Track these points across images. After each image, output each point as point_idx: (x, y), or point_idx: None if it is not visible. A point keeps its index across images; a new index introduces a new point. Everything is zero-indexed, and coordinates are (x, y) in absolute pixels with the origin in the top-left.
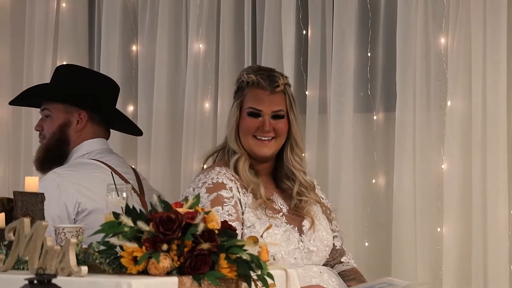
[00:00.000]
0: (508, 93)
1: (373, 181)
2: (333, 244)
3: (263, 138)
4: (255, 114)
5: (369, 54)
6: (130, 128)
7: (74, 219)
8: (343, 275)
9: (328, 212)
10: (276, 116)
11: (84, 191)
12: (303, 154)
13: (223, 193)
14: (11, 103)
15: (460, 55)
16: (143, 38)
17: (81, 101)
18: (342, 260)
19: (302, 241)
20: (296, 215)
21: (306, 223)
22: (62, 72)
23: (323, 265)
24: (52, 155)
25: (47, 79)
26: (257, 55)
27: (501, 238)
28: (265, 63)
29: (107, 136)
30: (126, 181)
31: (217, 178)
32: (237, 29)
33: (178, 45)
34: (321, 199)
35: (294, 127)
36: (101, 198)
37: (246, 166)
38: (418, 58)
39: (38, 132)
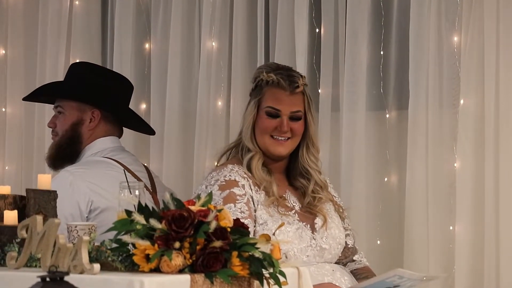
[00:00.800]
0: None
1: (385, 179)
2: (346, 242)
3: (280, 138)
4: (274, 114)
5: (381, 53)
6: (143, 127)
7: (87, 217)
8: (355, 273)
9: (341, 210)
10: (294, 117)
11: (97, 189)
12: (319, 154)
13: (236, 190)
14: (24, 99)
15: (473, 54)
16: (156, 36)
17: (95, 99)
18: (354, 258)
19: (315, 239)
20: (309, 213)
21: (318, 221)
22: (76, 70)
23: (335, 263)
24: (64, 153)
25: (60, 77)
26: (270, 53)
27: None
28: (277, 60)
29: (119, 135)
30: (139, 179)
31: (230, 175)
32: (250, 27)
33: (191, 43)
34: (334, 197)
35: (312, 127)
36: (114, 196)
37: (260, 164)
38: (431, 57)
39: (50, 129)
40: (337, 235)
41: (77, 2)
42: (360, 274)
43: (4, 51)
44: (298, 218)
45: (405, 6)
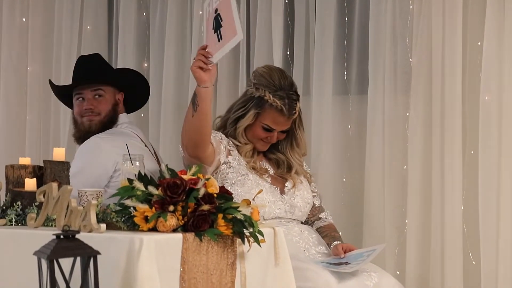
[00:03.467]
0: (463, 85)
1: (348, 154)
2: (313, 202)
3: (266, 142)
4: (269, 129)
5: (345, 45)
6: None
7: (111, 175)
8: (319, 231)
9: (308, 176)
10: (283, 131)
11: (121, 153)
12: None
13: (216, 134)
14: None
15: (422, 48)
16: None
17: (122, 84)
18: (320, 216)
19: (284, 199)
20: (281, 178)
21: (288, 184)
22: (97, 60)
23: (305, 222)
24: (105, 129)
25: (74, 42)
26: (251, 47)
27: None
28: (257, 53)
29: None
30: (150, 151)
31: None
32: None
33: (184, 32)
34: (304, 167)
35: (298, 132)
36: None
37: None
38: (387, 49)
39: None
40: (305, 196)
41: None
42: (322, 232)
43: (25, 19)
44: (271, 182)
45: (365, 7)
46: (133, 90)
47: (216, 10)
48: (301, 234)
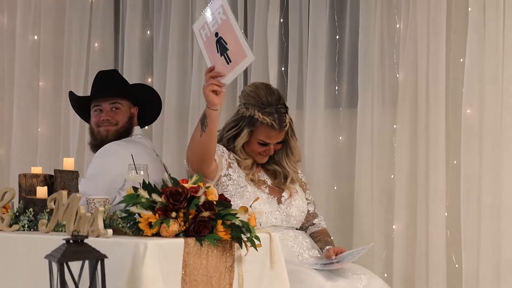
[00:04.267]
0: (447, 100)
1: (339, 165)
2: (308, 209)
3: (264, 155)
4: (264, 144)
5: (336, 61)
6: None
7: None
8: (313, 236)
9: (304, 185)
10: (278, 142)
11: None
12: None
13: (218, 148)
14: (73, 96)
15: (407, 67)
16: (158, 27)
17: (136, 101)
18: (314, 222)
19: (280, 208)
20: (278, 188)
21: (285, 194)
22: (117, 74)
23: (300, 228)
24: (120, 138)
25: (83, 58)
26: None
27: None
28: (254, 68)
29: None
30: (161, 160)
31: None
32: None
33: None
34: (299, 174)
35: (291, 142)
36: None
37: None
38: (375, 66)
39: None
40: (300, 205)
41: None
42: (316, 237)
43: (36, 37)
44: (268, 192)
45: (355, 25)
46: (146, 105)
47: (217, 33)
48: (296, 239)
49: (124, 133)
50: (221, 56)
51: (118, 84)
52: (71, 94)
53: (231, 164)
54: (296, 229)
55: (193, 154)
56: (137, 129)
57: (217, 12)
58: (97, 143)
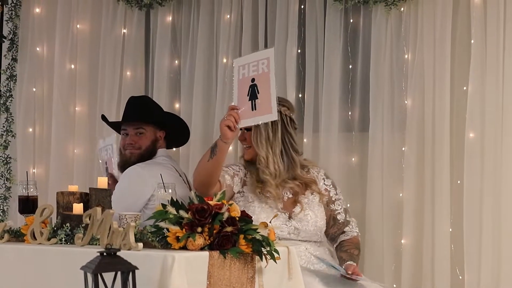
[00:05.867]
0: (451, 124)
1: (352, 184)
2: (337, 218)
3: (246, 146)
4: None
5: (349, 88)
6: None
7: (149, 199)
8: (341, 245)
9: (325, 199)
10: (246, 129)
11: (157, 181)
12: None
13: (234, 166)
14: (105, 120)
15: (415, 95)
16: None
17: (163, 124)
18: (345, 230)
19: (290, 222)
20: (294, 202)
21: (296, 209)
22: (143, 102)
23: (330, 237)
24: (143, 160)
25: (116, 86)
26: None
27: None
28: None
29: (166, 146)
30: (183, 180)
31: (236, 163)
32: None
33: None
34: (326, 186)
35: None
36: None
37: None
38: (385, 93)
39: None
40: (312, 219)
41: (126, 31)
42: (343, 247)
43: (73, 66)
44: (282, 207)
45: (366, 56)
46: (176, 130)
47: (253, 79)
48: (304, 252)
49: (147, 155)
50: (249, 100)
51: (144, 110)
52: (103, 117)
53: (246, 182)
54: (315, 241)
55: (197, 175)
56: (161, 151)
57: (262, 61)
58: (122, 164)
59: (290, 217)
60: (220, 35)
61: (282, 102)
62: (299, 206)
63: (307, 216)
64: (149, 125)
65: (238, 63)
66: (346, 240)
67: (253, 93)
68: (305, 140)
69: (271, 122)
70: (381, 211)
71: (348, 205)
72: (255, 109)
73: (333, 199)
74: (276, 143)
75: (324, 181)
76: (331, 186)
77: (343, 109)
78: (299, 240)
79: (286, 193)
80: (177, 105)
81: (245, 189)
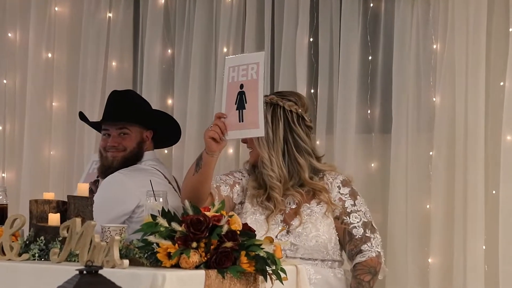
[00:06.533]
0: (486, 125)
1: (372, 195)
2: (352, 234)
3: (249, 148)
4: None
5: (369, 83)
6: (171, 141)
7: (134, 211)
8: (354, 269)
9: (341, 210)
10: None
11: (143, 190)
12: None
13: (236, 173)
14: (84, 118)
15: (445, 89)
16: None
17: (152, 123)
18: (362, 248)
19: (287, 237)
20: (294, 214)
21: (295, 222)
22: (127, 98)
23: (349, 253)
24: (127, 165)
25: (99, 79)
26: (275, 85)
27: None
28: (282, 88)
29: (154, 148)
30: (173, 187)
31: (240, 169)
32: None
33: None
34: (342, 195)
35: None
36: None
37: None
38: (410, 88)
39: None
40: (312, 233)
41: (111, 15)
42: (356, 271)
43: (50, 54)
44: (282, 219)
45: (389, 45)
46: (163, 129)
47: (242, 85)
48: (307, 271)
49: (132, 159)
50: (236, 109)
51: (129, 108)
52: (81, 116)
53: (247, 192)
54: (322, 260)
55: (184, 190)
56: (148, 154)
57: (252, 66)
58: (103, 170)
59: (288, 231)
60: (220, 20)
61: (288, 96)
62: (298, 218)
63: (306, 229)
64: (134, 125)
65: (229, 63)
66: (361, 262)
67: (240, 102)
68: (317, 142)
69: (272, 119)
70: (405, 225)
71: (372, 195)
72: (242, 120)
73: (348, 210)
74: (277, 142)
75: (340, 189)
76: (348, 195)
77: (362, 107)
78: (300, 258)
79: (289, 203)
80: (169, 101)
81: (247, 200)
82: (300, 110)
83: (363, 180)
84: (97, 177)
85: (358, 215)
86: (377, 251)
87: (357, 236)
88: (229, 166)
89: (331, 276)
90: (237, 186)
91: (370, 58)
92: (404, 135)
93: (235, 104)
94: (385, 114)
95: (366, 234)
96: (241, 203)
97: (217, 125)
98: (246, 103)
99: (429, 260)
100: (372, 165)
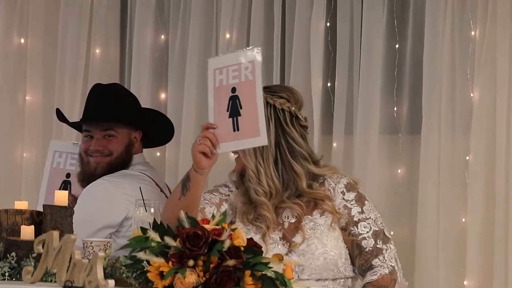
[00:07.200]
0: None
1: (397, 203)
2: (362, 247)
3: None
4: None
5: (395, 75)
6: (163, 140)
7: (121, 224)
8: (365, 287)
9: (348, 220)
10: None
11: (131, 199)
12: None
13: (222, 188)
14: (61, 117)
15: (485, 81)
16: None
17: (140, 123)
18: (373, 263)
19: (289, 257)
20: (295, 230)
21: (297, 238)
22: (116, 92)
23: (359, 268)
24: (113, 171)
25: (80, 68)
26: (286, 77)
27: None
28: (293, 81)
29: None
30: (165, 196)
31: (226, 182)
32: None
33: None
34: (347, 202)
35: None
36: None
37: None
38: (444, 82)
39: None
40: (319, 250)
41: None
42: None
43: (23, 40)
44: (282, 236)
45: (419, 32)
46: (153, 129)
47: (234, 89)
48: None
49: (119, 165)
50: (229, 117)
51: (116, 105)
52: (58, 113)
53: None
54: (333, 279)
55: (166, 217)
56: (138, 157)
57: (245, 66)
58: (84, 177)
59: (290, 250)
60: (222, 1)
61: (278, 91)
62: (300, 234)
63: (311, 246)
64: (120, 127)
65: (213, 65)
66: (372, 282)
67: (234, 108)
68: (334, 144)
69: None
70: (436, 241)
71: (392, 232)
72: (238, 129)
73: (356, 219)
74: (267, 149)
75: (344, 195)
76: (354, 202)
77: (387, 103)
78: (306, 280)
79: (287, 217)
80: (163, 95)
81: (238, 218)
82: (293, 108)
83: (388, 189)
84: (67, 176)
85: (368, 223)
86: (391, 265)
87: (367, 249)
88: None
89: None
90: (224, 204)
91: (397, 46)
92: (436, 136)
93: (227, 111)
94: (414, 112)
95: (378, 246)
96: (231, 222)
97: (206, 138)
98: (241, 109)
99: (465, 282)
100: (399, 171)
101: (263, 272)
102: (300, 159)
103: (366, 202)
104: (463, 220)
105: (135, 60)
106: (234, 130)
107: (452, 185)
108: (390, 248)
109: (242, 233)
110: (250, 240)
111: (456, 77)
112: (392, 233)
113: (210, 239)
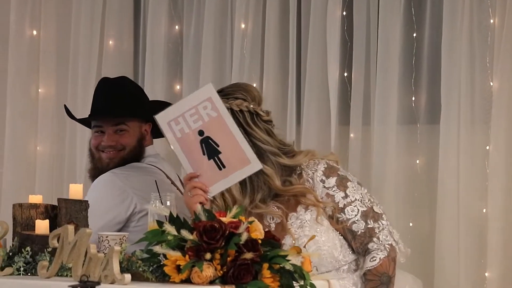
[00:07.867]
0: None
1: (416, 194)
2: (353, 230)
3: None
4: None
5: (413, 65)
6: None
7: (129, 219)
8: (365, 277)
9: (333, 208)
10: None
11: (140, 193)
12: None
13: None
14: (71, 116)
15: (505, 69)
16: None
17: (150, 115)
18: (369, 247)
19: None
20: (283, 229)
21: (287, 240)
22: (125, 85)
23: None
24: (124, 165)
25: (93, 61)
26: (302, 68)
27: None
28: (309, 73)
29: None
30: (177, 188)
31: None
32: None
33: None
34: (328, 189)
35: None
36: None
37: None
38: (462, 71)
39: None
40: (312, 248)
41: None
42: (367, 282)
43: (36, 32)
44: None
45: (437, 20)
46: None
47: (202, 132)
48: None
49: (132, 159)
50: (209, 159)
51: (125, 100)
52: (67, 110)
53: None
54: (337, 270)
55: None
56: (149, 149)
57: (203, 106)
58: (96, 173)
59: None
60: None
61: (232, 93)
62: (289, 236)
63: (304, 239)
64: (132, 120)
65: (164, 119)
66: (371, 270)
67: (210, 149)
68: (351, 135)
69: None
70: (456, 232)
71: (411, 224)
72: (224, 166)
73: (341, 205)
74: None
75: (324, 183)
76: (335, 187)
77: (405, 93)
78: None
79: (272, 219)
80: (177, 87)
81: None
82: (251, 106)
83: (406, 179)
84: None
85: (354, 206)
86: (388, 245)
87: (359, 232)
88: None
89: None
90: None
91: (414, 35)
92: (456, 126)
93: (204, 154)
94: (433, 102)
95: (369, 226)
96: None
97: (195, 188)
98: (218, 146)
99: (486, 274)
100: (417, 161)
101: (281, 265)
102: (270, 157)
103: (348, 183)
104: (484, 211)
105: (149, 52)
106: (220, 169)
107: (472, 176)
108: (382, 224)
109: (260, 226)
110: (267, 233)
111: (475, 66)
112: (411, 224)
113: (227, 232)
